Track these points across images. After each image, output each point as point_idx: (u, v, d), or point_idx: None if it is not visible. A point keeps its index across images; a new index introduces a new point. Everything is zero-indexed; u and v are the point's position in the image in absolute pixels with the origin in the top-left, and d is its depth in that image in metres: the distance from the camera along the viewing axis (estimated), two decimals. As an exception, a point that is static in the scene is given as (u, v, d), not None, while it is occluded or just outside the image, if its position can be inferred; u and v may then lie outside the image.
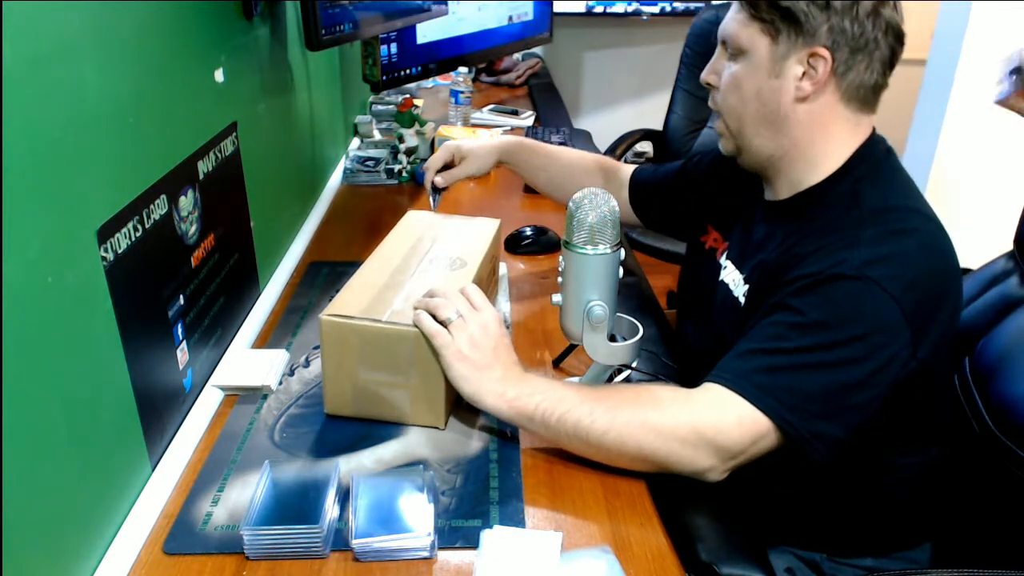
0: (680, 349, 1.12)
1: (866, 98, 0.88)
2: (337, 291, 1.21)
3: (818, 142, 0.89)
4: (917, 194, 0.89)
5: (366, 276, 0.97)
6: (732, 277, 0.99)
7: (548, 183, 1.33)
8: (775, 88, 0.88)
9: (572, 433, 0.82)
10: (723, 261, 1.03)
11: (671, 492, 0.82)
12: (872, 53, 0.85)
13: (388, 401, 0.91)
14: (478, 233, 1.11)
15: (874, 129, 0.92)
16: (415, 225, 1.13)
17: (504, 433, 0.91)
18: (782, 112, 0.89)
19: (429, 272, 0.99)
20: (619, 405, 0.82)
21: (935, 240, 0.84)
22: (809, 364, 0.79)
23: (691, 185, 1.18)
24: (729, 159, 0.99)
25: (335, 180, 1.71)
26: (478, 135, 1.78)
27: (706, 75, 0.96)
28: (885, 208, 0.84)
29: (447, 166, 1.31)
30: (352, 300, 0.91)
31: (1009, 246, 1.11)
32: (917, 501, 0.96)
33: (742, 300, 0.95)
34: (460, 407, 0.94)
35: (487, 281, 1.10)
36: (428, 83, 2.50)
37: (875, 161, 0.89)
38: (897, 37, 0.87)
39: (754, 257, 0.95)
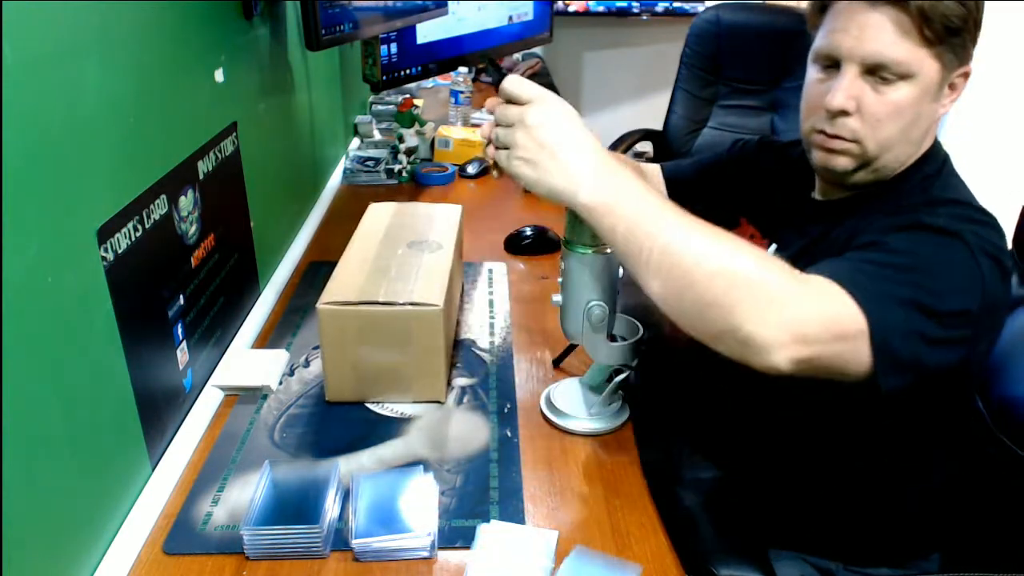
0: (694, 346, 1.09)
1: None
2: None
3: (916, 152, 0.87)
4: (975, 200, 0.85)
5: (350, 265, 0.99)
6: None
7: None
8: (931, 111, 0.84)
9: (657, 268, 0.75)
10: None
11: (672, 493, 0.82)
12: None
13: (390, 380, 0.93)
14: (444, 218, 1.15)
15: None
16: (381, 215, 1.16)
17: (504, 433, 0.91)
18: (925, 131, 0.85)
19: (408, 256, 1.01)
20: (718, 243, 0.73)
21: (1001, 237, 0.80)
22: (905, 282, 0.72)
23: (729, 175, 1.10)
24: (773, 152, 0.93)
25: (335, 180, 1.71)
26: (478, 134, 1.78)
27: (843, 102, 0.82)
28: (956, 200, 0.82)
29: None
30: (344, 287, 0.93)
31: (1008, 246, 1.11)
32: (936, 510, 0.94)
33: None
34: (464, 405, 0.94)
35: (458, 264, 1.13)
36: (428, 83, 2.50)
37: (939, 164, 0.87)
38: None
39: (811, 253, 0.88)
